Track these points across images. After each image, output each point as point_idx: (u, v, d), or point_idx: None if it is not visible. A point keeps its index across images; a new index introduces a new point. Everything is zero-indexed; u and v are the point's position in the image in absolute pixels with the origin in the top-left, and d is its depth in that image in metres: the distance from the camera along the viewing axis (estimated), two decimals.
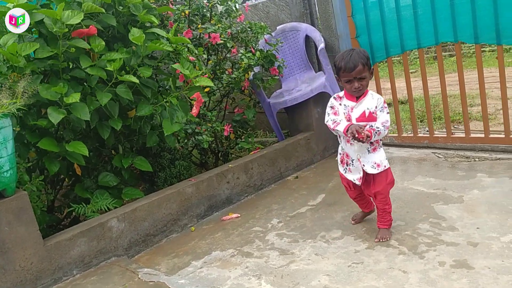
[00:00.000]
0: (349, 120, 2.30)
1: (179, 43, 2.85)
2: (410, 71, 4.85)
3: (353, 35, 3.95)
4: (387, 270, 2.14)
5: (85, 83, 2.78)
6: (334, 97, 2.43)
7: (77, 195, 3.02)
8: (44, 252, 2.46)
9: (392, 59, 3.96)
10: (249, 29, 3.78)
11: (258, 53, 3.60)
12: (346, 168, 2.47)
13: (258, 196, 3.43)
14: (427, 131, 3.88)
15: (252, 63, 3.54)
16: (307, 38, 4.25)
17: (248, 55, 3.56)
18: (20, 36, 2.59)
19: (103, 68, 2.67)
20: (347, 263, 2.26)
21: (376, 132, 2.23)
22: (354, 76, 2.22)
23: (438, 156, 3.56)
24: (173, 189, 3.07)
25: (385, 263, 2.21)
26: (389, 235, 2.42)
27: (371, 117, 2.28)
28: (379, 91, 4.00)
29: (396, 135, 4.03)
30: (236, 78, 3.60)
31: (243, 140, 3.99)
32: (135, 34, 2.73)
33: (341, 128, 2.27)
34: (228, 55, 3.82)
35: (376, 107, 2.28)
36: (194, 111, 2.81)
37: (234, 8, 3.79)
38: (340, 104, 2.37)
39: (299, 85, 4.11)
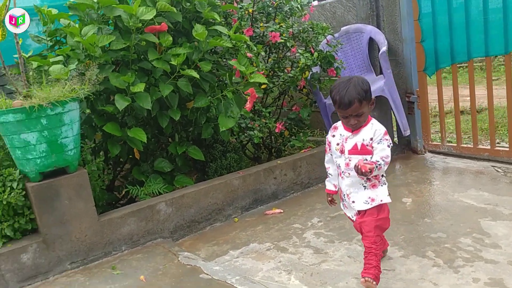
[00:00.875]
0: (342, 151, 2.09)
1: (238, 40, 2.97)
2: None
3: (418, 39, 3.84)
4: (418, 281, 2.11)
5: (150, 75, 3.00)
6: (331, 128, 2.22)
7: (134, 178, 3.26)
8: (98, 227, 2.70)
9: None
10: (311, 29, 3.82)
11: (316, 54, 3.62)
12: (343, 203, 2.25)
13: (303, 194, 3.48)
14: (489, 143, 3.69)
15: (309, 63, 3.58)
16: (371, 40, 4.19)
17: (306, 55, 3.60)
18: (99, 28, 2.85)
19: (168, 62, 2.85)
20: None
21: (376, 166, 1.96)
22: (349, 113, 1.99)
23: (497, 170, 3.39)
24: (221, 180, 3.21)
25: (417, 273, 2.18)
26: None
27: (364, 150, 2.02)
28: (440, 98, 3.87)
29: (455, 145, 3.87)
30: (293, 77, 3.66)
31: (296, 138, 4.04)
32: (198, 30, 2.88)
33: (327, 186, 2.30)
34: (287, 54, 3.88)
35: (371, 139, 2.01)
36: (248, 105, 2.92)
37: (298, 8, 3.84)
38: (334, 136, 2.15)
39: None
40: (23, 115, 2.36)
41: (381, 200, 2.07)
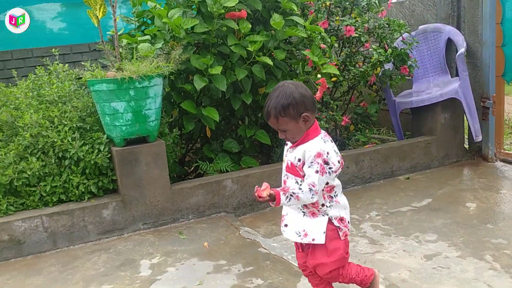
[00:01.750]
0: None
1: (313, 31, 3.07)
2: None
3: (499, 43, 3.73)
4: (472, 281, 2.13)
5: (227, 59, 3.18)
6: None
7: (204, 155, 3.48)
8: (170, 194, 2.94)
9: None
10: (387, 26, 3.82)
11: (390, 50, 3.63)
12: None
13: (364, 188, 3.53)
14: None
15: (381, 59, 3.60)
16: (449, 41, 4.11)
17: (380, 51, 3.62)
18: (184, 11, 3.07)
19: (245, 48, 3.02)
20: (433, 265, 2.29)
21: (287, 197, 1.64)
22: (272, 127, 1.73)
23: None
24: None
25: (472, 273, 2.19)
26: None
27: (293, 170, 1.72)
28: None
29: None
30: (364, 72, 3.70)
31: (361, 133, 4.08)
32: (276, 19, 3.02)
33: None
34: (361, 49, 3.92)
35: (299, 160, 1.69)
36: (318, 95, 3.01)
37: (376, 4, 3.86)
38: (286, 144, 1.86)
39: (430, 88, 4.03)
40: (115, 86, 2.63)
41: (313, 240, 1.71)
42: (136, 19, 3.52)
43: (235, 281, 2.20)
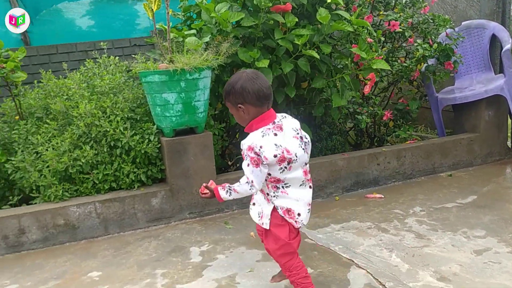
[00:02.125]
0: None
1: (359, 26, 3.08)
2: None
3: None
4: None
5: (272, 52, 3.21)
6: None
7: None
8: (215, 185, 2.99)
9: None
10: (431, 21, 3.79)
11: (435, 45, 3.60)
12: None
13: (405, 184, 3.52)
14: None
15: (427, 54, 3.57)
16: (493, 37, 4.04)
17: (425, 46, 3.59)
18: (230, 6, 3.13)
19: (291, 41, 3.04)
20: (484, 260, 2.28)
21: (227, 191, 1.78)
22: None
23: None
24: (326, 158, 3.36)
25: None
26: None
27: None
28: None
29: None
30: (407, 67, 3.67)
31: (401, 129, 4.05)
32: (322, 13, 3.03)
33: None
34: (404, 44, 3.89)
35: (242, 151, 1.74)
36: (367, 89, 3.02)
37: None
38: None
39: (474, 85, 3.97)
40: (167, 77, 2.70)
41: (263, 224, 1.81)
42: (183, 13, 3.60)
43: None
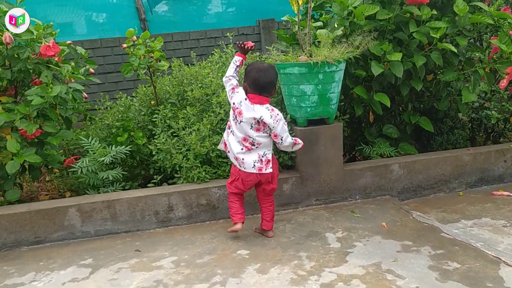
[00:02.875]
0: None
1: (500, 17, 2.98)
2: None
3: None
4: None
5: (402, 45, 3.20)
6: None
7: (358, 138, 3.57)
8: (341, 174, 3.08)
9: None
10: None
11: None
12: None
13: None
14: None
15: None
16: None
17: None
18: None
19: (425, 34, 3.02)
20: None
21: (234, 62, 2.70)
22: None
23: None
24: (450, 153, 3.32)
25: None
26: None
27: None
28: None
29: None
30: None
31: None
32: (459, 5, 2.97)
33: None
34: None
35: None
36: (503, 83, 2.94)
37: None
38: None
39: None
40: (306, 69, 2.80)
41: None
42: (305, 6, 3.67)
43: (430, 262, 2.28)
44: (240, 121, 2.45)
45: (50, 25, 3.01)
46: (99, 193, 2.95)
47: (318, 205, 3.09)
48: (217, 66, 3.43)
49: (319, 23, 3.32)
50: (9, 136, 2.78)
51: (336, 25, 3.22)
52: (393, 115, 3.72)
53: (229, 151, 2.55)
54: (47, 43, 2.89)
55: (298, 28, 2.96)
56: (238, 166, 2.51)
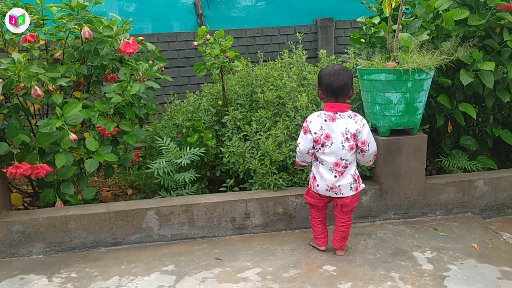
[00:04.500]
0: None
1: None
2: None
3: None
4: None
5: (490, 53, 3.01)
6: None
7: (432, 149, 3.39)
8: (422, 188, 2.92)
9: None
10: None
11: None
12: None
13: None
14: None
15: None
16: None
17: None
18: (453, 2, 2.97)
19: None
20: None
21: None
22: None
23: None
24: None
25: None
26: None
27: None
28: None
29: None
30: None
31: None
32: None
33: None
34: None
35: None
36: None
37: None
38: None
39: None
40: (394, 76, 2.64)
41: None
42: (376, 7, 3.51)
43: None
44: (331, 144, 2.31)
45: (128, 21, 2.93)
46: (172, 195, 2.87)
47: (397, 219, 2.93)
48: (293, 68, 3.29)
49: (395, 26, 3.14)
50: (86, 133, 2.72)
51: (415, 29, 3.05)
52: (470, 126, 3.53)
53: (318, 185, 2.39)
54: (126, 40, 2.82)
55: (388, 32, 2.80)
56: (335, 195, 2.38)
